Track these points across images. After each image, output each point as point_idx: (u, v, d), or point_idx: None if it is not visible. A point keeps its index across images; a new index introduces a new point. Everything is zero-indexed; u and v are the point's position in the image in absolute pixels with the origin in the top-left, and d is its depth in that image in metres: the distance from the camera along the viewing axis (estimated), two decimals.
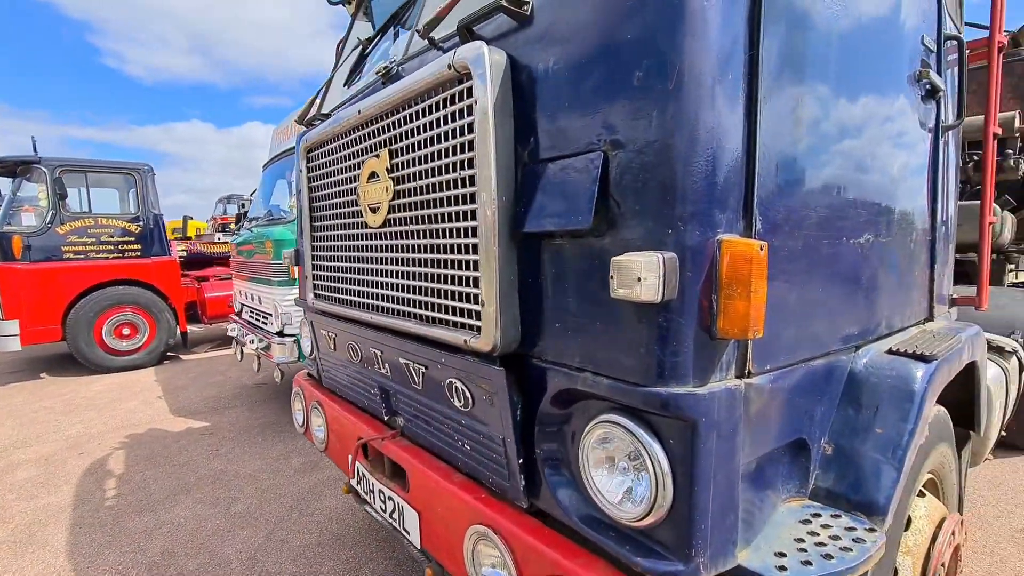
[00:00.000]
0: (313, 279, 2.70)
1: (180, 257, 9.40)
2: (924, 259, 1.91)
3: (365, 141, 2.02)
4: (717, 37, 1.04)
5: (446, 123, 1.53)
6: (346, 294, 2.33)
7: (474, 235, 1.45)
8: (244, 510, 3.66)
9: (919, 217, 1.83)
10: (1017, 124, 4.40)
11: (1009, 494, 3.78)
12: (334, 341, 2.55)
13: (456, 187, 1.51)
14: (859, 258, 1.48)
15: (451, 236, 1.56)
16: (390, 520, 2.08)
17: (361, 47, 2.65)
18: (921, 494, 1.94)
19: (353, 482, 2.43)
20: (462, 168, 1.48)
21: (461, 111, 1.46)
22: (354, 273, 2.23)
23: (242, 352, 6.15)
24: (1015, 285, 6.84)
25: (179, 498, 3.88)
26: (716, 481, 1.10)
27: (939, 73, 1.89)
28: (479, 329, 1.45)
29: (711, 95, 1.04)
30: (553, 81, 1.29)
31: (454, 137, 1.50)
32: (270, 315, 5.25)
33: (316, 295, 2.67)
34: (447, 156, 1.53)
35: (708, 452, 1.10)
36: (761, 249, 1.05)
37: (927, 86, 1.79)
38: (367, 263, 2.11)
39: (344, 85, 2.66)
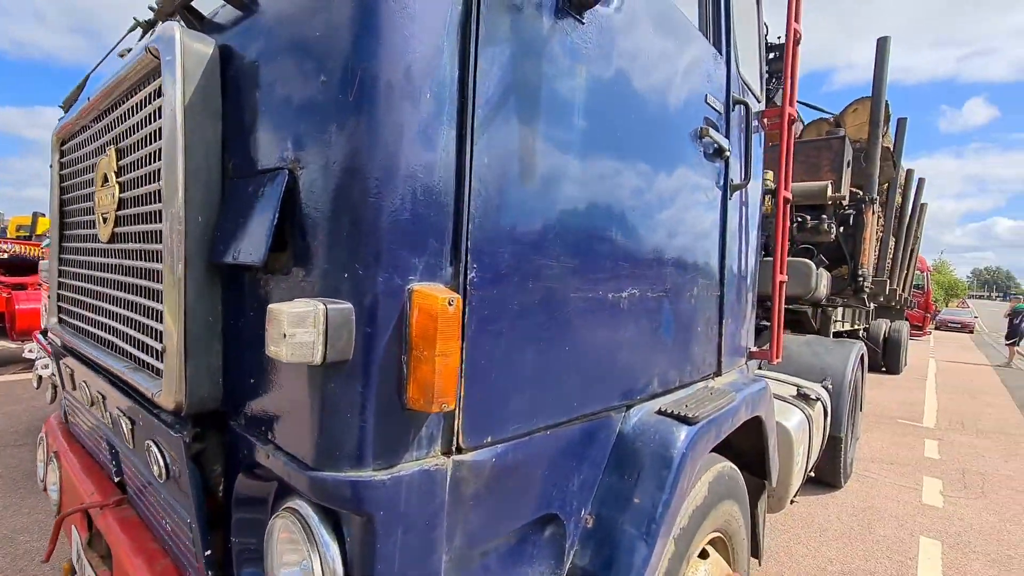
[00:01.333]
0: (58, 299, 2.19)
1: None
2: (710, 315, 1.91)
3: (99, 136, 1.64)
4: (410, 45, 0.87)
5: (150, 122, 1.23)
6: (76, 319, 1.88)
7: (159, 260, 1.15)
8: None
9: (703, 273, 1.83)
10: (829, 193, 4.98)
11: (817, 531, 4.06)
12: (71, 375, 2.06)
13: (149, 202, 1.20)
14: (621, 314, 1.39)
15: (141, 259, 1.24)
16: None
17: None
18: (704, 554, 1.90)
19: (73, 558, 1.93)
20: (156, 179, 1.18)
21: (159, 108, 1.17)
22: (81, 294, 1.80)
23: (39, 378, 5.10)
24: (838, 334, 7.77)
25: None
26: None
27: (727, 134, 1.94)
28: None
29: (400, 114, 0.87)
30: (257, 80, 1.06)
31: (152, 140, 1.20)
32: None
33: (60, 319, 2.16)
34: (149, 163, 1.23)
35: (390, 553, 0.88)
36: (450, 304, 0.87)
37: (713, 146, 1.82)
38: (93, 283, 1.70)
39: (120, 56, 2.23)
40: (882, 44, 5.36)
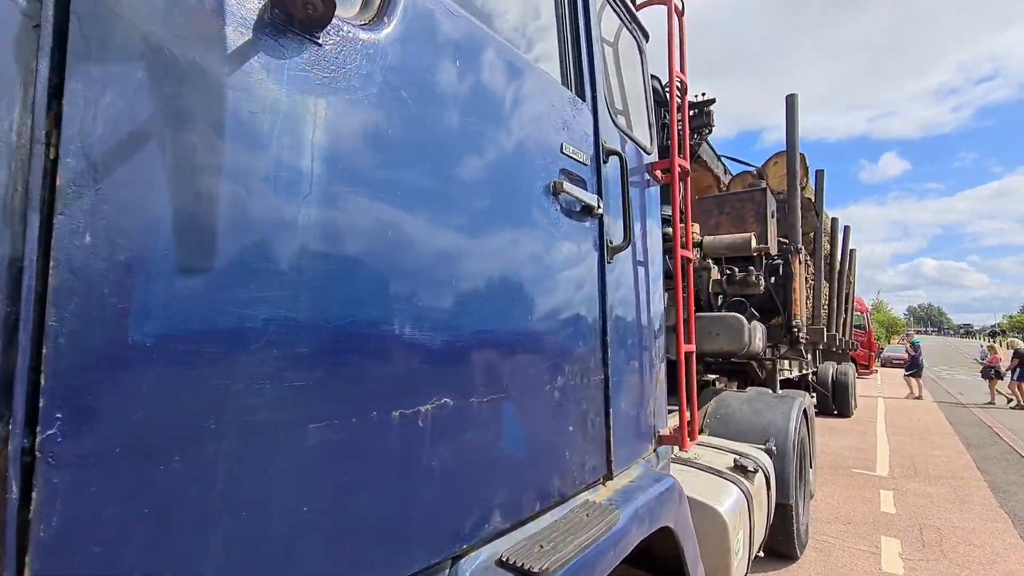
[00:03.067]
0: None
1: None
2: (589, 407, 1.55)
3: None
4: None
5: None
6: None
7: None
8: None
9: (572, 357, 1.49)
10: (754, 244, 4.90)
11: None
12: None
13: None
14: (419, 435, 1.00)
15: None
16: None
17: None
18: None
19: None
20: None
21: None
22: None
23: None
24: (787, 382, 7.62)
25: None
26: None
27: (598, 190, 1.66)
28: None
29: None
30: None
31: None
32: None
33: None
34: None
35: None
36: None
37: (577, 203, 1.53)
38: None
39: None
40: (790, 101, 5.52)
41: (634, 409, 1.84)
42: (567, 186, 1.45)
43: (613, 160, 1.78)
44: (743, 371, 6.00)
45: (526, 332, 1.30)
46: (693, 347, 2.20)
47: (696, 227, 5.55)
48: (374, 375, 0.91)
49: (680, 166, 2.17)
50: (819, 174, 7.27)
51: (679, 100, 2.34)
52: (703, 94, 6.50)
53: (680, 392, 2.08)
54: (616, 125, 1.87)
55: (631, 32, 2.27)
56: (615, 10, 2.07)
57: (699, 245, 4.90)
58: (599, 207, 1.62)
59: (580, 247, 1.57)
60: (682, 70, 2.33)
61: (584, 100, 1.67)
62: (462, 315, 1.11)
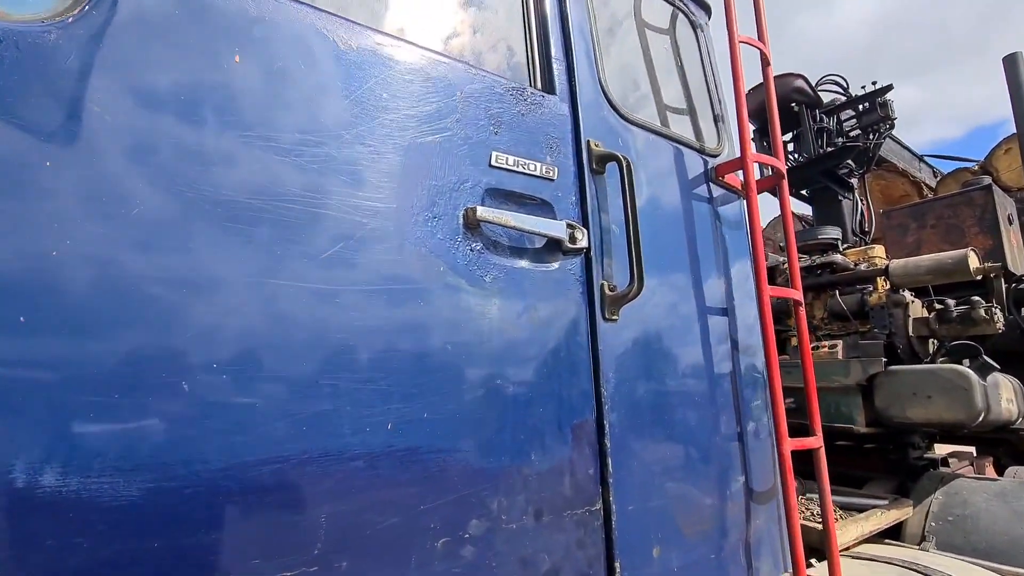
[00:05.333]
0: None
1: None
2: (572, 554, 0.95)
3: None
4: None
5: None
6: None
7: None
8: None
9: (535, 476, 0.93)
10: (974, 264, 3.44)
11: None
12: None
13: None
14: None
15: None
16: None
17: None
18: None
19: None
20: None
21: None
22: None
23: None
24: None
25: None
26: None
27: (581, 211, 1.13)
28: None
29: None
30: None
31: None
32: None
33: None
34: None
35: None
36: None
37: (528, 238, 1.03)
38: None
39: None
40: (1011, 63, 3.97)
41: (684, 553, 1.14)
42: (492, 214, 0.96)
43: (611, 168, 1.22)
44: (998, 441, 4.17)
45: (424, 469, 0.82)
46: (816, 440, 1.38)
47: (878, 249, 4.17)
48: None
49: (773, 167, 1.47)
50: None
51: (758, 73, 1.65)
52: (874, 83, 5.16)
53: (791, 528, 1.27)
54: (629, 120, 1.32)
55: (678, 8, 1.71)
56: None
57: (884, 273, 3.61)
58: (577, 239, 1.08)
59: (540, 304, 1.04)
60: (760, 38, 1.66)
61: (553, 92, 1.19)
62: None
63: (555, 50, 1.23)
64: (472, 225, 0.96)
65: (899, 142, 5.77)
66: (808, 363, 1.53)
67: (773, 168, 1.55)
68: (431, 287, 0.90)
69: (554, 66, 1.21)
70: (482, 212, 0.95)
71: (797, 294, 1.45)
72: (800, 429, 1.57)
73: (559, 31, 1.25)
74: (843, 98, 5.38)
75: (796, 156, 5.16)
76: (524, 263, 1.04)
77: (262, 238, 0.76)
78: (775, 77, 1.77)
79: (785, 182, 1.55)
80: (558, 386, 1.02)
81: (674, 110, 1.64)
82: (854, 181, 5.12)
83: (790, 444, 1.30)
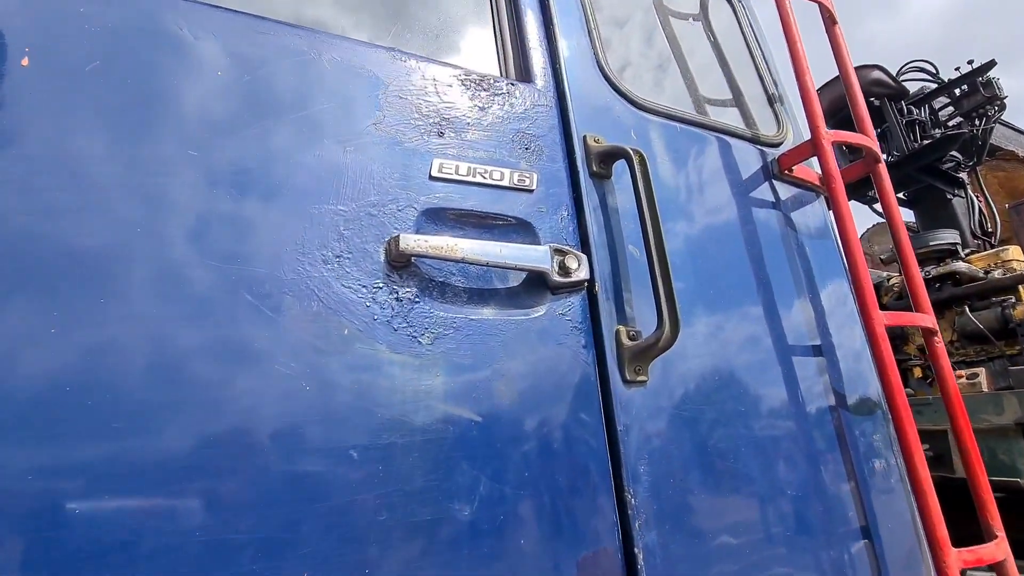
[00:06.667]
0: None
1: None
2: None
3: None
4: None
5: None
6: None
7: None
8: None
9: None
10: None
11: None
12: None
13: None
14: None
15: None
16: None
17: None
18: None
19: None
20: None
21: None
22: None
23: None
24: None
25: None
26: None
27: (579, 233, 0.79)
28: None
29: None
30: None
31: None
32: None
33: None
34: None
35: None
36: None
37: (497, 276, 0.71)
38: None
39: None
40: None
41: None
42: (427, 244, 0.65)
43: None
44: None
45: None
46: (998, 547, 0.88)
47: (1013, 251, 3.38)
48: None
49: (864, 147, 1.06)
50: None
51: (821, 41, 1.26)
52: (970, 62, 4.43)
53: None
54: (646, 109, 0.98)
55: None
56: None
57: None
58: (571, 269, 0.74)
59: (516, 371, 0.69)
60: None
61: (530, 80, 0.88)
62: None
63: (530, 28, 0.94)
64: (398, 262, 0.65)
65: (1013, 127, 4.89)
66: (958, 406, 1.03)
67: (865, 149, 1.12)
68: (324, 362, 0.59)
69: (529, 47, 0.92)
70: (411, 242, 0.64)
71: (928, 319, 0.99)
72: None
73: (536, 4, 0.97)
74: (933, 85, 4.66)
75: (885, 157, 4.48)
76: (488, 312, 0.70)
77: (17, 306, 0.50)
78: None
79: (883, 167, 1.12)
80: (549, 504, 0.65)
81: (716, 101, 1.29)
82: (964, 175, 4.34)
83: (958, 558, 0.82)
